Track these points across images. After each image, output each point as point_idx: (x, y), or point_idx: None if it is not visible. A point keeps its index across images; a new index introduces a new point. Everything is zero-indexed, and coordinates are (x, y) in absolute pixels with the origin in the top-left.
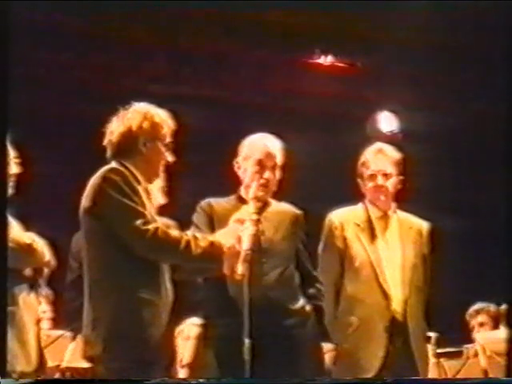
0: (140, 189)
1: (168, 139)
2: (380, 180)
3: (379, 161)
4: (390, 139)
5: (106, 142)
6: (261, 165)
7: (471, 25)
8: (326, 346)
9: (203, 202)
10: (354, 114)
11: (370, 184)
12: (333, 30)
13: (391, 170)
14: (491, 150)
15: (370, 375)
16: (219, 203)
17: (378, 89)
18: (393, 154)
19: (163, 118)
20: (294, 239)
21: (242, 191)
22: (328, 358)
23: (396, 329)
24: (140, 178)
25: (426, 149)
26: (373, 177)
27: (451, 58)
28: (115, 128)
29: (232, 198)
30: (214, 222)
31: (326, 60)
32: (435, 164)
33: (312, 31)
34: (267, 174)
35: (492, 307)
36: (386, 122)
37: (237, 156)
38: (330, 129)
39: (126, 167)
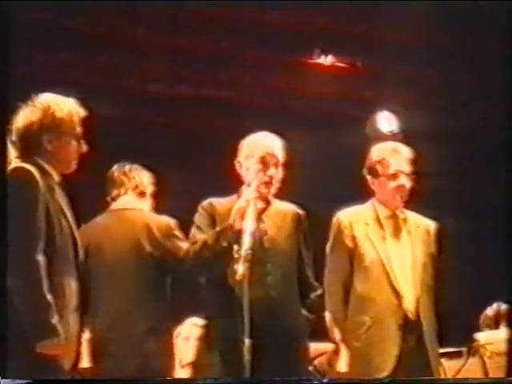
0: (46, 189)
1: (77, 130)
2: (402, 179)
3: (399, 160)
4: (391, 139)
5: (12, 139)
6: (264, 162)
7: (471, 25)
8: (327, 347)
9: (205, 202)
10: (353, 114)
11: (392, 183)
12: (333, 30)
13: (409, 169)
14: (491, 150)
15: (384, 374)
16: (221, 203)
17: (377, 89)
18: (407, 153)
19: (66, 110)
20: (296, 239)
21: (244, 190)
22: (328, 358)
23: (409, 327)
24: (53, 173)
25: (425, 149)
26: (395, 176)
27: (451, 58)
28: (19, 125)
29: (234, 198)
30: (216, 222)
31: (326, 60)
32: (435, 164)
33: (312, 31)
34: (271, 171)
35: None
36: (386, 122)
37: (237, 156)
38: (329, 129)
39: (36, 163)
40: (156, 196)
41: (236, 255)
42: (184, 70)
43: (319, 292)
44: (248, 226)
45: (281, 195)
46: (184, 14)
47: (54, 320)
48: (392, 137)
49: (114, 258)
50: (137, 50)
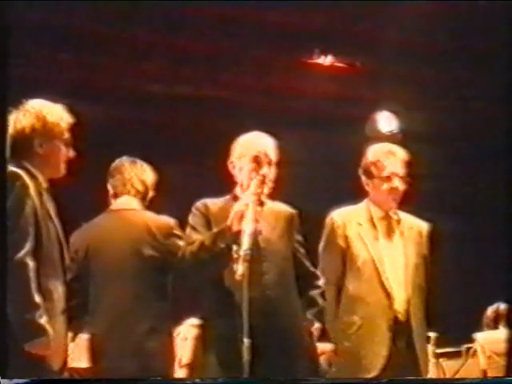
0: (35, 193)
1: (66, 135)
2: (396, 182)
3: (393, 162)
4: (390, 139)
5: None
6: (257, 161)
7: (471, 25)
8: (326, 346)
9: (199, 203)
10: (353, 114)
11: (386, 186)
12: (333, 30)
13: (403, 172)
14: (491, 150)
15: (372, 375)
16: (215, 203)
17: (377, 89)
18: (403, 155)
19: (57, 114)
20: (289, 238)
21: (238, 191)
22: (327, 358)
23: (399, 328)
24: (40, 178)
25: (425, 149)
26: (389, 179)
27: (451, 58)
28: (10, 129)
29: (228, 198)
30: (210, 223)
31: (326, 60)
32: (435, 164)
33: (312, 31)
34: (264, 170)
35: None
36: (386, 122)
37: (231, 156)
38: (329, 129)
39: (26, 168)
40: (156, 195)
41: (235, 255)
42: (184, 70)
43: (322, 281)
44: (247, 227)
45: (279, 194)
46: (184, 14)
47: (43, 320)
48: (392, 137)
49: (114, 258)
50: (137, 50)
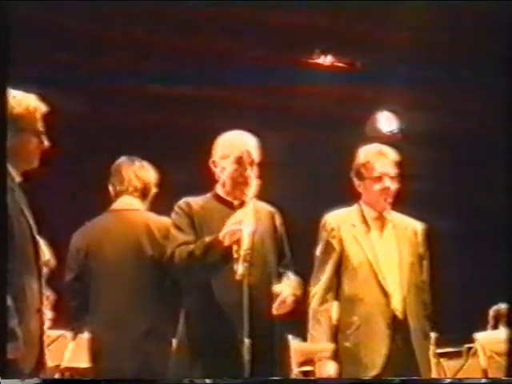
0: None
1: (38, 125)
2: (387, 182)
3: (383, 163)
4: (390, 139)
5: None
6: (240, 162)
7: (471, 25)
8: (327, 346)
9: (181, 202)
10: (353, 113)
11: (377, 186)
12: (333, 30)
13: (394, 171)
14: (491, 150)
15: (373, 373)
16: (197, 202)
17: (377, 89)
18: (393, 155)
19: (25, 104)
20: (271, 238)
21: (219, 189)
22: (328, 358)
23: (397, 327)
24: (13, 173)
25: (425, 149)
26: (380, 179)
27: (451, 58)
28: None
29: (209, 197)
30: (194, 222)
31: (326, 60)
32: (435, 164)
33: (312, 31)
34: (247, 172)
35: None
36: (386, 122)
37: (213, 155)
38: (329, 129)
39: None
40: (156, 196)
41: (235, 255)
42: (184, 70)
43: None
44: (247, 227)
45: (279, 195)
46: (184, 14)
47: (12, 324)
48: (392, 137)
49: (114, 258)
50: (137, 50)
